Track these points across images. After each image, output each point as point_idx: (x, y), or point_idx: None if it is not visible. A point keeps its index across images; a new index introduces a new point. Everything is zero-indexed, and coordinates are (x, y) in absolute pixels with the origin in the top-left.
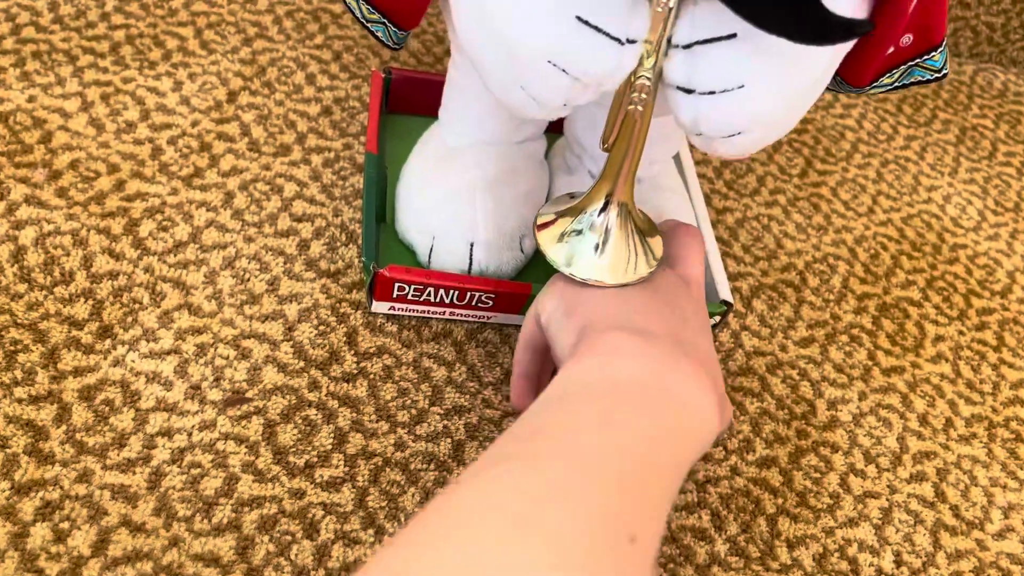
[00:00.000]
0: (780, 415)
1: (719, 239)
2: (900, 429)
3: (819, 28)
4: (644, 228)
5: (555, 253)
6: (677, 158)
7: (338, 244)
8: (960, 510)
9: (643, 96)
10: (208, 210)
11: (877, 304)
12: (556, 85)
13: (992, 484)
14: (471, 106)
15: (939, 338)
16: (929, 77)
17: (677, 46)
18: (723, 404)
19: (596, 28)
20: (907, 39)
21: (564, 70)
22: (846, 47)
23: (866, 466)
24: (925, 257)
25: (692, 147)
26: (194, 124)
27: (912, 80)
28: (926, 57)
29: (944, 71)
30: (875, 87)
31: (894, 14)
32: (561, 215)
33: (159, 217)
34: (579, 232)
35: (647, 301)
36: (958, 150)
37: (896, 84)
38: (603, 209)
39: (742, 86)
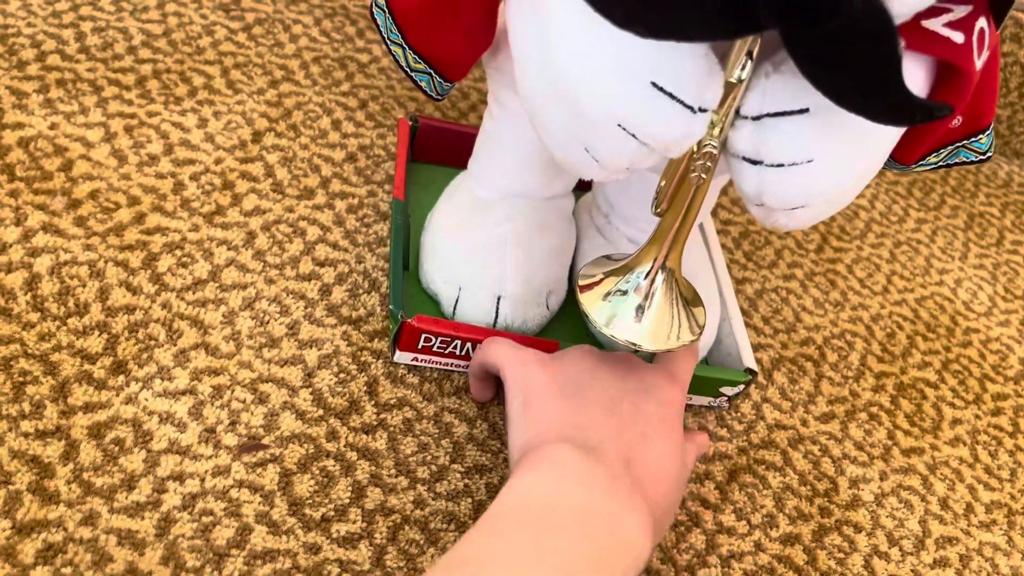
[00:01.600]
0: (803, 491)
1: (743, 312)
2: (922, 512)
3: (901, 109)
4: (688, 296)
5: (596, 313)
6: (700, 226)
7: (360, 291)
8: None
9: (708, 164)
10: (229, 248)
11: (895, 383)
12: (623, 149)
13: (1013, 573)
14: (504, 159)
15: (956, 421)
16: (974, 158)
17: (746, 117)
18: (660, 525)
19: (671, 95)
20: (957, 121)
21: (633, 134)
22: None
23: (889, 548)
24: (940, 339)
25: (714, 215)
26: (218, 162)
27: (957, 160)
28: (973, 139)
29: (989, 153)
30: (921, 164)
31: (957, 99)
32: (607, 275)
33: (179, 253)
34: (624, 292)
35: (605, 414)
36: (967, 235)
37: (941, 163)
38: (649, 272)
39: (811, 160)
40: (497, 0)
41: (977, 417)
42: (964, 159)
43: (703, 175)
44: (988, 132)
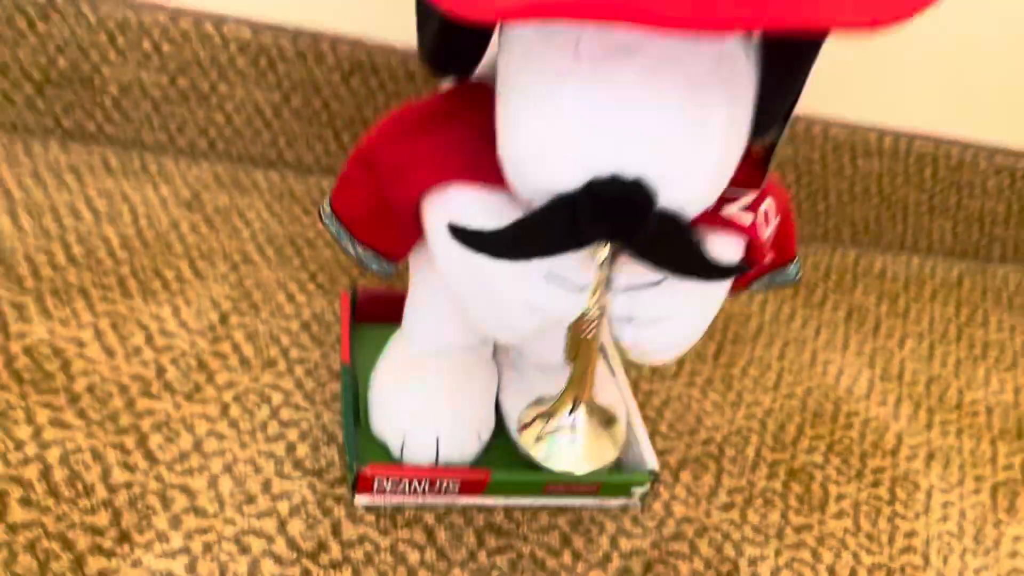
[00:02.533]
0: (708, 574)
1: (646, 418)
2: None
3: (713, 272)
4: (606, 419)
5: (535, 451)
6: (602, 350)
7: (321, 444)
8: None
9: (595, 324)
10: (207, 421)
11: (786, 469)
12: (530, 321)
13: None
14: (429, 319)
15: (841, 496)
16: (788, 280)
17: (617, 291)
18: None
19: (562, 279)
20: (769, 258)
21: (541, 310)
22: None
23: None
24: (825, 425)
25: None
26: (192, 345)
27: (774, 284)
28: (783, 269)
29: (798, 277)
30: (748, 290)
31: (756, 256)
32: (539, 417)
33: (166, 430)
34: (554, 432)
35: None
36: (847, 327)
37: (763, 287)
38: (572, 411)
39: (670, 316)
40: (419, 209)
41: (859, 490)
42: (779, 283)
43: (593, 332)
44: (795, 262)
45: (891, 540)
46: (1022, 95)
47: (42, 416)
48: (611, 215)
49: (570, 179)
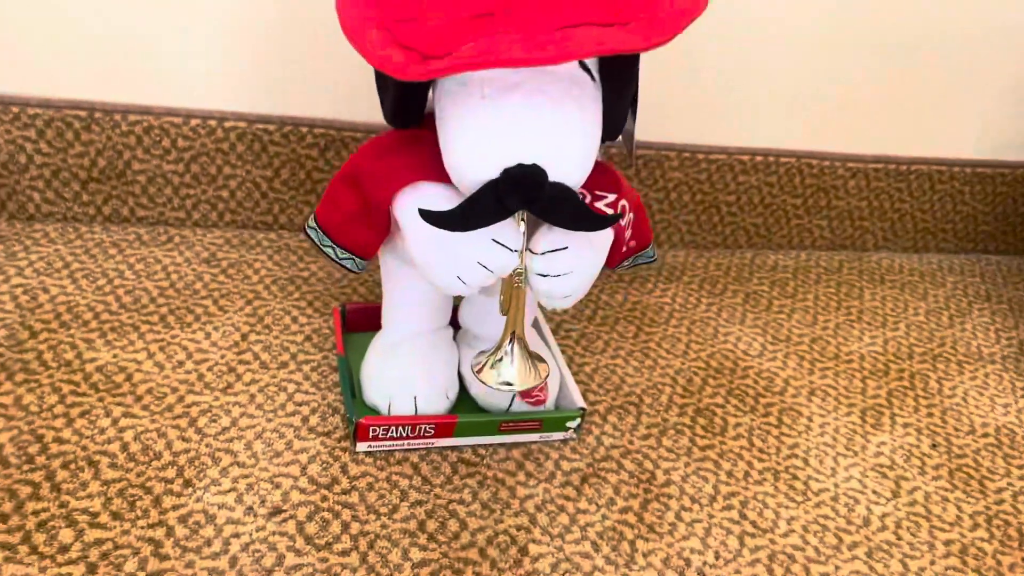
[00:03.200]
0: (631, 482)
1: (579, 383)
2: (714, 480)
3: (597, 223)
4: (534, 355)
5: (486, 377)
6: (538, 327)
7: (327, 415)
8: (744, 528)
9: (521, 276)
10: (239, 406)
11: (693, 409)
12: (480, 275)
13: (776, 510)
14: (402, 311)
15: (738, 424)
16: (648, 259)
17: (536, 255)
18: None
19: (502, 244)
20: (632, 243)
21: (485, 266)
22: (611, 242)
23: (692, 504)
24: (725, 376)
25: (547, 317)
26: (222, 357)
27: (638, 263)
28: (643, 252)
29: (654, 258)
30: (619, 268)
31: (618, 236)
32: (485, 354)
33: (209, 415)
34: (499, 360)
35: None
36: (744, 308)
37: (629, 266)
38: (511, 343)
39: (571, 271)
40: (389, 210)
41: (752, 420)
42: (643, 262)
43: (520, 284)
44: (651, 247)
45: (778, 451)
46: (858, 109)
47: (116, 412)
48: (521, 189)
49: (491, 171)
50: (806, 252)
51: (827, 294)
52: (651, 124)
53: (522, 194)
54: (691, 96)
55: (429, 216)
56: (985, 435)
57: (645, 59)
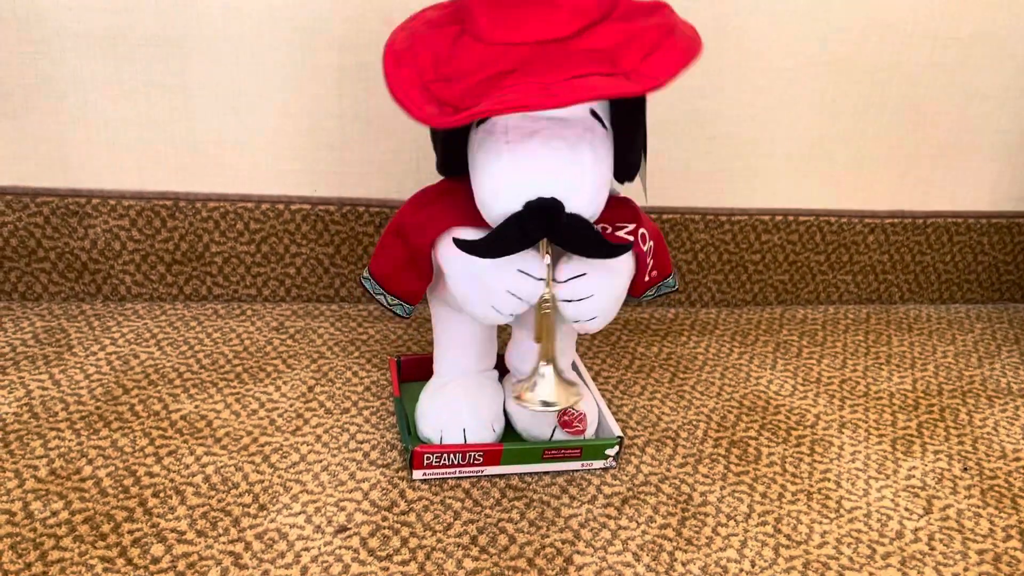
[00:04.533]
0: (669, 503)
1: (618, 420)
2: (749, 500)
3: (612, 251)
4: (568, 381)
5: (527, 400)
6: (577, 370)
7: (386, 450)
8: (779, 540)
9: (548, 304)
10: (307, 445)
11: (728, 441)
12: (511, 303)
13: (810, 525)
14: (451, 354)
15: (771, 453)
16: (670, 289)
17: (559, 282)
18: None
19: (527, 274)
20: (654, 273)
21: (515, 294)
22: (633, 268)
23: (727, 521)
24: (758, 413)
25: (587, 366)
26: (291, 405)
27: (661, 293)
28: (665, 281)
29: (676, 287)
30: (644, 297)
31: (640, 262)
32: (525, 379)
33: (280, 452)
34: (535, 382)
35: None
36: (775, 355)
37: (654, 295)
38: (545, 364)
39: (592, 295)
40: (431, 255)
41: (785, 450)
42: (666, 291)
43: (548, 311)
44: (672, 276)
45: (810, 476)
46: (870, 166)
47: (199, 451)
48: (541, 219)
49: (514, 205)
50: (834, 306)
51: (855, 341)
52: (675, 190)
53: (542, 223)
54: (711, 162)
55: (463, 244)
56: (1017, 459)
57: (665, 129)
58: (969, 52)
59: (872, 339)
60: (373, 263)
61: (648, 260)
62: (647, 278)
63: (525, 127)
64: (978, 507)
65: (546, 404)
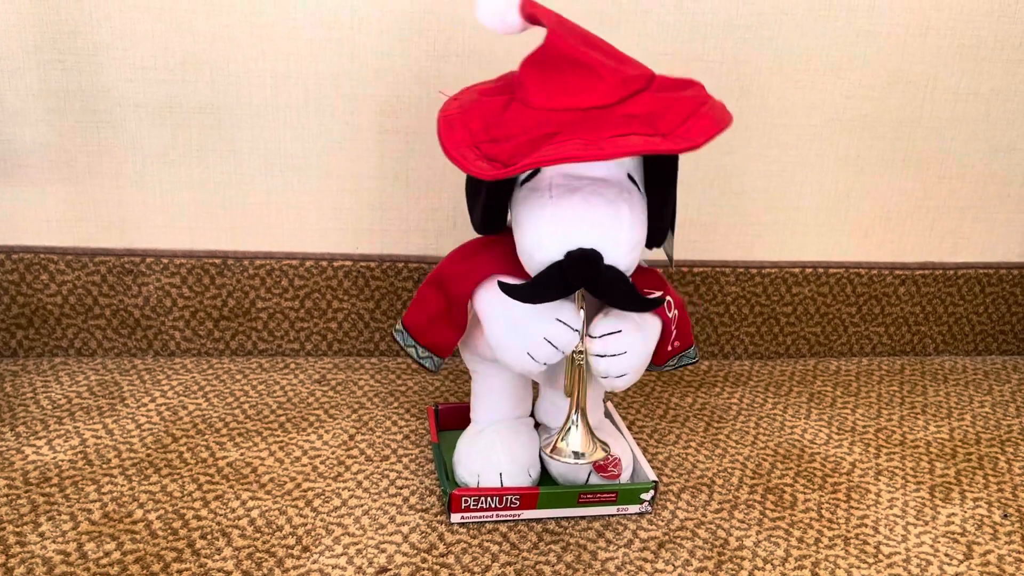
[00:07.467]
0: (705, 547)
1: (653, 467)
2: (785, 545)
3: (645, 305)
4: (597, 436)
5: (558, 451)
6: (611, 418)
7: (425, 495)
8: None
9: (581, 356)
10: (348, 491)
11: (763, 488)
12: (547, 351)
13: (848, 570)
14: (487, 401)
15: (807, 500)
16: (691, 361)
17: (594, 337)
18: None
19: (564, 323)
20: (676, 344)
21: (551, 342)
22: (659, 334)
23: (764, 565)
24: (793, 461)
25: (621, 416)
26: (333, 453)
27: (683, 364)
28: (686, 352)
29: (696, 359)
30: (666, 367)
31: (666, 328)
32: (557, 432)
33: (322, 497)
34: (567, 432)
35: None
36: (808, 405)
37: (675, 366)
38: (576, 413)
39: (625, 352)
40: (467, 306)
41: (821, 496)
42: (687, 363)
43: (581, 362)
44: (693, 347)
45: (847, 521)
46: (898, 219)
47: (244, 496)
48: (580, 268)
49: (555, 255)
50: (867, 358)
51: (890, 391)
52: (705, 243)
53: (582, 272)
54: (740, 215)
55: (507, 288)
56: None
57: (698, 184)
58: (990, 107)
59: (907, 390)
60: (407, 315)
61: (673, 328)
62: (670, 347)
63: (568, 184)
64: (1019, 552)
65: (577, 455)
